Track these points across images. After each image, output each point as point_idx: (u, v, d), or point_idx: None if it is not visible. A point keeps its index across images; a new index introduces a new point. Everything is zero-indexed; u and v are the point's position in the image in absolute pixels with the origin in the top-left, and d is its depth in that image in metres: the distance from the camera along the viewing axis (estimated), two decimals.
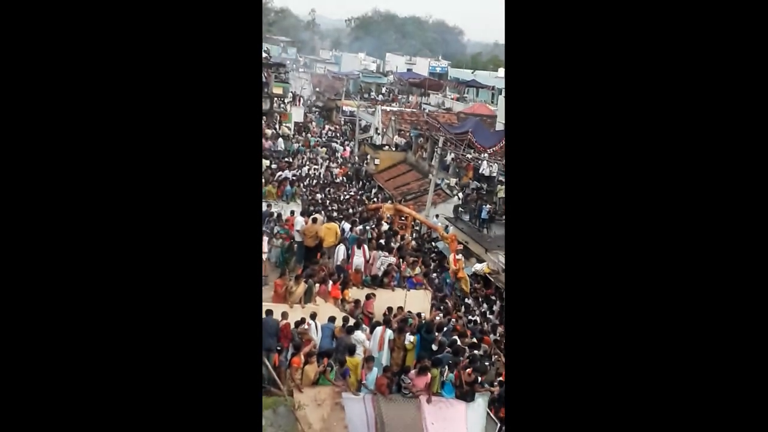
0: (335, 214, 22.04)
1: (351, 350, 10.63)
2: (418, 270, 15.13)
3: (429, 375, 10.54)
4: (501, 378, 12.54)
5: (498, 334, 15.87)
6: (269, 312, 11.02)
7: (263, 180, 22.24)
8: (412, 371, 10.69)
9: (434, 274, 18.84)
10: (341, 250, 14.74)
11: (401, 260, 15.00)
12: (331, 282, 13.18)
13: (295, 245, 14.94)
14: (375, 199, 29.02)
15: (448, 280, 18.40)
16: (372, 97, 58.32)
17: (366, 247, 14.91)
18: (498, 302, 19.08)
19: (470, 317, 16.85)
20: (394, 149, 36.38)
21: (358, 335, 11.26)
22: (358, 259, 14.44)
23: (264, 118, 35.60)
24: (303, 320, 11.34)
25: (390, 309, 12.90)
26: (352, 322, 11.69)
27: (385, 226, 18.99)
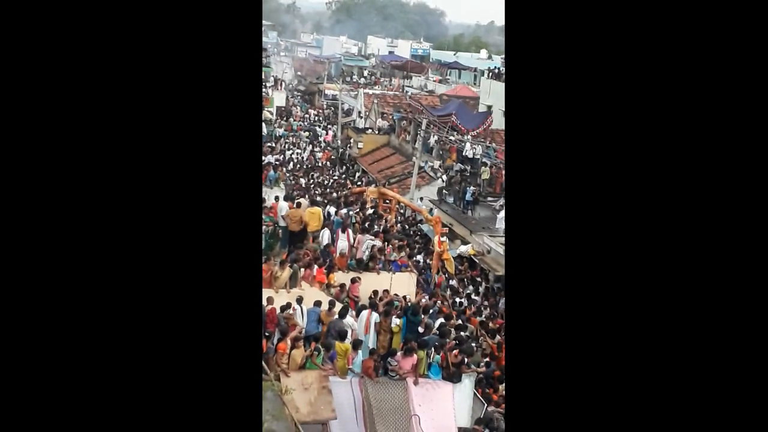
0: (319, 198, 22.01)
1: (343, 335, 10.64)
2: (403, 253, 15.14)
3: (415, 356, 10.59)
4: (487, 359, 12.63)
5: (483, 316, 15.96)
6: None
7: None
8: (399, 353, 10.74)
9: (419, 257, 18.88)
10: (326, 235, 14.73)
11: (386, 243, 15.00)
12: (316, 266, 13.17)
13: (280, 230, 14.89)
14: (359, 183, 28.97)
15: (427, 262, 18.45)
16: (354, 80, 58.08)
17: (350, 230, 14.90)
18: (483, 283, 19.18)
19: (456, 299, 16.91)
20: (377, 132, 36.29)
21: (348, 320, 11.28)
22: (343, 243, 14.43)
23: None
24: (289, 305, 11.33)
25: (375, 292, 12.92)
26: (339, 306, 11.70)
27: (369, 210, 18.98)
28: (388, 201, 21.20)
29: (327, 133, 40.09)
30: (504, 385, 11.82)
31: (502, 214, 21.55)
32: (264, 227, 14.88)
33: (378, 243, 14.79)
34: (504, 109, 29.54)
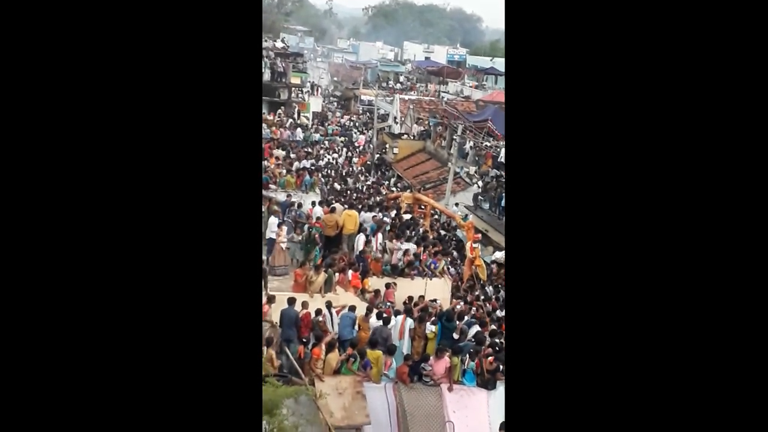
0: (354, 203, 22.06)
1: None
2: (443, 263, 15.08)
3: (447, 358, 10.56)
4: None
5: None
6: (291, 301, 11.07)
7: (283, 170, 22.33)
8: (432, 358, 10.71)
9: (451, 264, 18.81)
10: (361, 240, 14.77)
11: (423, 249, 14.99)
12: (351, 271, 13.21)
13: (316, 235, 14.97)
14: (394, 188, 28.98)
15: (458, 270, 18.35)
16: (390, 86, 58.12)
17: (382, 235, 14.93)
18: None
19: (489, 305, 16.79)
20: (412, 138, 36.26)
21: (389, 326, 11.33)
22: (378, 248, 14.47)
23: (282, 108, 35.71)
24: (321, 311, 11.39)
25: (410, 298, 12.91)
26: (375, 312, 11.73)
27: (404, 215, 18.97)
28: (422, 207, 21.16)
29: (358, 139, 40.19)
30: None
31: None
32: (304, 232, 14.98)
33: (414, 247, 14.79)
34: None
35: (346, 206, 16.82)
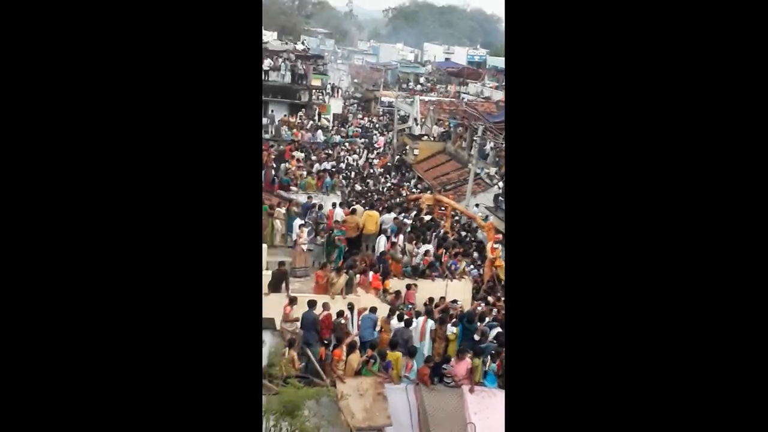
0: (375, 204, 22.09)
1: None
2: (463, 265, 15.04)
3: (468, 360, 10.54)
4: None
5: None
6: (311, 303, 11.11)
7: (303, 172, 22.41)
8: (453, 359, 10.70)
9: (472, 265, 18.75)
10: (382, 241, 14.78)
11: (444, 251, 14.97)
12: (371, 273, 13.22)
13: (337, 237, 15.01)
14: (414, 190, 28.96)
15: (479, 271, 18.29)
16: (410, 87, 58.11)
17: (403, 237, 14.94)
18: None
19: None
20: (433, 139, 36.21)
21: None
22: (399, 250, 14.47)
23: (303, 110, 35.81)
24: (343, 312, 11.42)
25: (431, 299, 12.90)
26: (398, 313, 11.73)
27: (425, 217, 18.96)
28: (443, 208, 21.14)
29: (377, 140, 40.17)
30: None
31: None
32: (326, 234, 15.02)
33: (431, 248, 14.78)
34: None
35: (367, 207, 16.83)
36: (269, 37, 45.95)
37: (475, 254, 19.12)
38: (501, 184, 26.28)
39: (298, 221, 15.26)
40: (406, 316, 11.59)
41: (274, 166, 22.41)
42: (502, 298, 16.40)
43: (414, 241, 15.15)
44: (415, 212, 19.20)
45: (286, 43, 44.94)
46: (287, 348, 9.91)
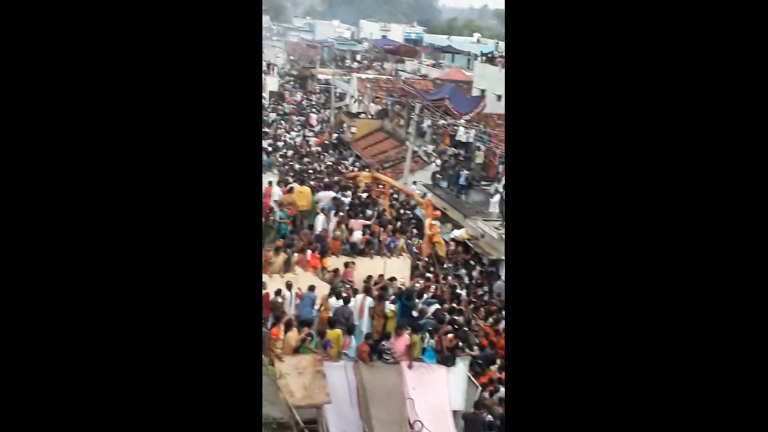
0: (313, 183, 21.93)
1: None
2: (402, 242, 15.08)
3: (407, 336, 10.62)
4: (481, 342, 12.65)
5: (477, 299, 15.97)
6: None
7: None
8: (392, 336, 10.77)
9: (410, 241, 18.85)
10: (320, 219, 14.70)
11: (381, 228, 14.98)
12: (309, 251, 13.14)
13: (282, 220, 14.82)
14: (353, 168, 28.90)
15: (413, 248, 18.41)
16: (347, 64, 57.81)
17: (341, 215, 14.88)
18: (477, 267, 19.18)
19: (449, 283, 16.92)
20: (370, 117, 36.16)
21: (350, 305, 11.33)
22: (336, 228, 14.43)
23: None
24: (281, 291, 11.34)
25: (370, 277, 12.91)
26: (336, 291, 11.72)
27: (363, 194, 18.93)
28: (381, 185, 21.15)
29: (311, 118, 39.81)
30: (496, 366, 11.87)
31: (496, 198, 21.52)
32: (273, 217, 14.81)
33: (370, 224, 14.78)
34: (504, 95, 29.48)
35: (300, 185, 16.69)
36: None
37: (414, 231, 19.25)
38: (438, 161, 26.46)
39: None
40: (344, 294, 11.57)
41: None
42: (440, 275, 16.59)
43: (352, 218, 15.10)
44: (353, 190, 19.15)
45: None
46: None
